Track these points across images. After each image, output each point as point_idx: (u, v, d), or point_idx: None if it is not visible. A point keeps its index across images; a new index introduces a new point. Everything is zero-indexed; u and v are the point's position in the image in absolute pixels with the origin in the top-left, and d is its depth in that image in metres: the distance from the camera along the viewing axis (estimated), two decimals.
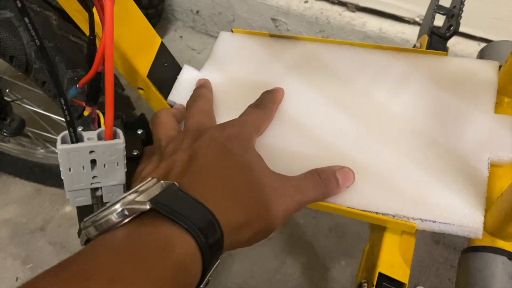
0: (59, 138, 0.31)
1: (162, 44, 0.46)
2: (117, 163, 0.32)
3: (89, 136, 0.31)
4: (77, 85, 0.34)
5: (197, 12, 1.17)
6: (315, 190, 0.35)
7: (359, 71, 0.45)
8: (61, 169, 0.31)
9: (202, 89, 0.44)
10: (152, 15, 1.08)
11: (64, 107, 0.28)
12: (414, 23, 0.84)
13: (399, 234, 0.38)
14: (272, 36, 0.50)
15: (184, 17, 1.22)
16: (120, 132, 0.32)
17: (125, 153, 0.33)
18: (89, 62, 0.31)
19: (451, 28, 0.50)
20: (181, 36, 1.24)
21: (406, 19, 0.85)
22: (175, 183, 0.27)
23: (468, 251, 0.36)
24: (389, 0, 0.84)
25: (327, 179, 0.36)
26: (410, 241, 0.39)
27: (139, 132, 0.38)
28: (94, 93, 0.33)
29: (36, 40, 0.25)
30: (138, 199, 0.26)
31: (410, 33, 0.84)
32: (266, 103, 0.41)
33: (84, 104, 0.34)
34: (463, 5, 0.50)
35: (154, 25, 1.15)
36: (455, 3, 0.52)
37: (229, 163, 0.31)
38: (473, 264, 0.35)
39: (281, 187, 0.33)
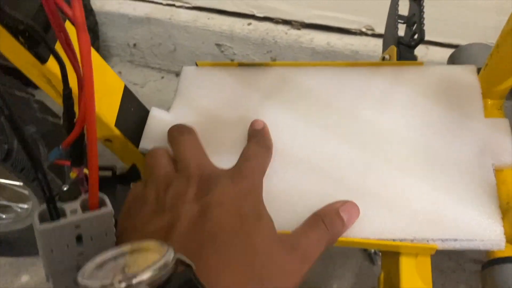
0: (36, 216, 0.25)
1: (125, 88, 0.41)
2: (106, 233, 0.28)
3: (72, 208, 0.26)
4: (60, 146, 0.29)
5: (134, 45, 1.11)
6: (320, 244, 0.32)
7: (339, 92, 0.43)
8: (40, 251, 0.26)
9: (180, 124, 0.40)
10: None
11: (42, 182, 0.23)
12: (361, 33, 0.86)
13: (414, 257, 0.36)
14: (241, 65, 0.47)
15: (120, 52, 1.16)
16: (106, 198, 0.27)
17: (114, 221, 0.28)
18: (68, 119, 0.26)
19: (415, 36, 0.50)
20: (120, 72, 1.18)
21: (353, 30, 0.86)
22: (192, 266, 0.22)
23: (491, 264, 0.35)
24: (334, 14, 0.85)
25: (331, 223, 0.33)
26: (426, 262, 0.37)
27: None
28: (79, 153, 0.28)
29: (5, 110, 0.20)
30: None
31: (359, 44, 0.85)
32: (265, 140, 0.38)
33: (68, 164, 0.29)
34: (423, 12, 0.50)
35: None
36: (414, 11, 0.52)
37: (244, 237, 0.28)
38: (500, 277, 0.34)
39: (290, 264, 0.29)
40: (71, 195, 0.29)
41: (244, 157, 0.35)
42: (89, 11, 0.98)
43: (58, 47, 0.27)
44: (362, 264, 0.71)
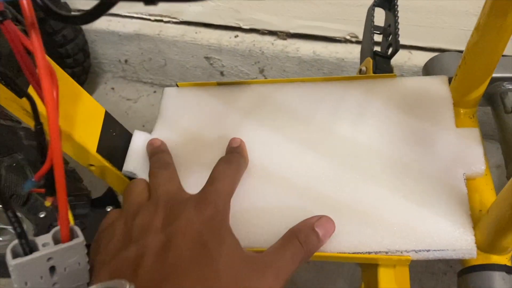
0: (9, 251, 0.26)
1: (106, 113, 0.42)
2: (79, 263, 0.29)
3: (44, 242, 0.27)
4: (33, 179, 0.30)
5: (126, 61, 1.13)
6: (294, 261, 0.32)
7: (315, 107, 0.44)
8: (15, 284, 0.27)
9: (161, 155, 0.41)
10: (79, 73, 1.02)
11: (12, 219, 0.24)
12: (346, 41, 0.86)
13: (392, 267, 0.37)
14: (219, 84, 0.48)
15: (112, 68, 1.17)
16: (77, 229, 0.28)
17: (86, 251, 0.29)
18: (40, 150, 0.27)
19: (391, 47, 0.51)
20: (113, 88, 1.19)
21: (338, 38, 0.87)
22: None
23: (465, 273, 0.36)
24: (318, 23, 0.86)
25: (306, 239, 0.33)
26: (404, 271, 0.37)
27: (109, 210, 0.34)
28: (52, 183, 0.29)
29: None
30: None
31: (344, 51, 0.86)
32: (235, 157, 0.39)
33: (42, 191, 0.30)
34: (398, 23, 0.51)
35: (82, 83, 1.10)
36: (389, 21, 0.53)
37: (205, 264, 0.28)
38: (474, 285, 0.35)
39: (262, 282, 0.30)
40: (47, 222, 0.30)
41: (210, 180, 0.36)
42: (78, 30, 1.00)
43: None
44: (355, 269, 0.72)
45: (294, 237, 0.34)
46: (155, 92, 1.16)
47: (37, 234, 0.27)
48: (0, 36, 0.35)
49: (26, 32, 0.32)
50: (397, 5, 0.52)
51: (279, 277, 0.31)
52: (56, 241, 0.26)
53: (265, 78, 0.99)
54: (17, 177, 0.47)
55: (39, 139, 0.28)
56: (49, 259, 0.26)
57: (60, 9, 0.23)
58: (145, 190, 0.35)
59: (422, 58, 0.79)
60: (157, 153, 0.41)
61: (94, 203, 0.34)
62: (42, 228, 0.35)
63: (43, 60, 0.23)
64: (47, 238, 0.26)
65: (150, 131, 0.47)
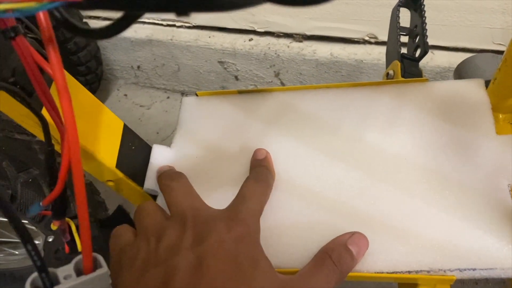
0: (27, 285, 0.24)
1: (125, 126, 0.41)
2: None
3: (65, 274, 0.25)
4: (41, 203, 0.28)
5: (138, 67, 1.12)
6: (328, 283, 0.30)
7: (342, 115, 0.42)
8: None
9: (171, 170, 0.39)
10: (91, 81, 1.01)
11: (32, 252, 0.22)
12: (364, 42, 0.84)
13: (433, 287, 0.35)
14: (240, 92, 0.46)
15: (125, 75, 1.16)
16: (100, 258, 0.26)
17: (110, 281, 0.27)
18: (50, 174, 0.26)
19: (419, 48, 0.49)
20: (125, 94, 1.18)
21: (356, 39, 0.84)
22: None
23: None
24: (335, 24, 0.83)
25: (340, 259, 0.31)
26: None
27: None
28: (61, 207, 0.27)
29: None
30: None
31: (362, 52, 0.84)
32: (264, 173, 0.37)
33: (49, 214, 0.28)
34: (426, 23, 0.48)
35: (95, 90, 1.09)
36: (416, 22, 0.51)
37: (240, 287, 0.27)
38: None
39: None
40: (54, 247, 0.28)
41: (240, 197, 0.34)
42: None
43: None
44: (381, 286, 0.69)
45: (327, 257, 0.32)
46: (168, 98, 1.14)
47: (45, 257, 0.25)
48: (14, 51, 0.34)
49: (37, 40, 0.31)
50: (424, 5, 0.49)
51: None
52: (79, 272, 0.25)
53: (281, 82, 0.97)
54: (34, 193, 0.45)
55: (49, 162, 0.26)
56: None
57: (72, 17, 0.21)
58: (160, 209, 0.33)
59: (445, 58, 0.76)
60: (166, 171, 0.39)
61: (103, 223, 0.32)
62: (49, 252, 0.34)
63: (63, 82, 0.21)
64: (68, 269, 0.25)
65: (164, 138, 0.45)
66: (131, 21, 0.20)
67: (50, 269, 0.24)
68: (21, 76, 0.33)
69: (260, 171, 0.37)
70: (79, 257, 0.25)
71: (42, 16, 0.21)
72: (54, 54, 0.21)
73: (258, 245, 0.30)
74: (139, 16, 0.19)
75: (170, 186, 0.35)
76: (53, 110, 0.23)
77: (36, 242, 0.68)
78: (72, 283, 0.24)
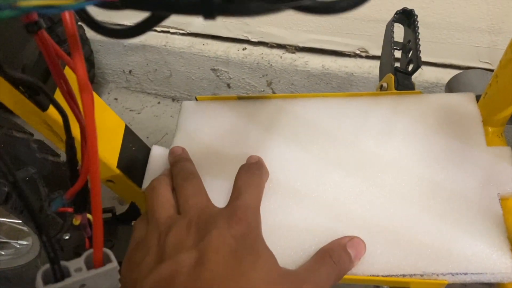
0: (39, 276, 0.25)
1: (126, 128, 0.41)
2: None
3: (76, 266, 0.25)
4: (64, 197, 0.28)
5: (130, 71, 1.12)
6: (329, 279, 0.32)
7: (339, 123, 0.43)
8: None
9: (184, 163, 0.40)
10: None
11: (46, 243, 0.23)
12: (355, 56, 0.86)
13: None
14: (240, 98, 0.47)
15: (116, 79, 1.16)
16: (110, 253, 0.27)
17: (119, 276, 0.27)
18: (71, 167, 0.26)
19: (412, 63, 0.51)
20: (116, 99, 1.18)
21: (347, 53, 0.86)
22: None
23: None
24: (327, 37, 0.85)
25: (339, 259, 0.33)
26: None
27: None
28: (82, 201, 0.28)
29: (9, 176, 0.19)
30: None
31: (353, 66, 0.86)
32: (255, 167, 0.38)
33: (70, 211, 0.29)
34: (419, 39, 0.50)
35: None
36: (409, 37, 0.53)
37: (240, 280, 0.27)
38: None
39: None
40: (72, 244, 0.28)
41: (236, 192, 0.35)
42: (84, 40, 0.99)
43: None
44: None
45: (327, 255, 0.33)
46: (159, 103, 1.15)
47: (64, 257, 0.25)
48: (25, 48, 0.34)
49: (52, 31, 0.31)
50: (417, 21, 0.51)
51: None
52: (89, 265, 0.25)
53: (273, 91, 0.98)
54: (30, 192, 0.45)
55: (70, 155, 0.27)
56: (81, 285, 0.24)
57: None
58: (172, 200, 0.35)
59: (433, 74, 0.79)
60: (179, 161, 0.40)
61: (119, 218, 0.33)
62: (68, 250, 0.34)
63: (85, 78, 0.22)
64: (79, 263, 0.25)
65: (154, 143, 0.46)
66: (156, 22, 0.20)
67: (62, 262, 0.24)
68: (30, 73, 0.33)
69: (250, 164, 0.38)
70: (90, 251, 0.25)
71: (67, 13, 0.22)
72: (77, 50, 0.22)
73: (259, 238, 0.32)
74: (166, 17, 0.20)
75: (181, 184, 0.36)
76: (70, 96, 0.24)
77: (25, 242, 0.67)
78: (83, 276, 0.24)
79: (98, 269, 0.25)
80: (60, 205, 0.28)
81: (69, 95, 0.26)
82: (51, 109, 0.32)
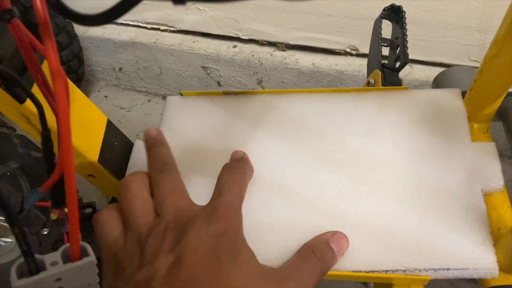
0: (13, 271, 0.24)
1: (108, 122, 0.41)
2: (89, 284, 0.27)
3: (52, 260, 0.25)
4: (40, 190, 0.28)
5: (120, 69, 1.11)
6: (313, 275, 0.31)
7: (326, 119, 0.43)
8: None
9: (160, 149, 0.36)
10: (72, 81, 1.00)
11: (19, 236, 0.22)
12: (346, 54, 0.86)
13: (407, 287, 0.36)
14: (226, 93, 0.46)
15: (106, 76, 1.15)
16: (88, 247, 0.26)
17: (97, 271, 0.27)
18: (47, 160, 0.25)
19: (399, 59, 0.51)
20: (106, 96, 1.17)
21: (337, 51, 0.86)
22: None
23: None
24: (318, 35, 0.85)
25: (323, 255, 0.33)
26: None
27: None
28: (60, 195, 0.27)
29: None
30: None
31: (343, 64, 0.86)
32: (239, 165, 0.37)
33: (48, 205, 0.28)
34: (407, 35, 0.50)
35: None
36: (397, 34, 0.53)
37: (219, 279, 0.27)
38: None
39: None
40: (51, 239, 0.28)
41: (218, 190, 0.33)
42: (73, 37, 0.98)
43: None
44: (357, 287, 0.70)
45: (310, 251, 0.33)
46: (149, 101, 1.14)
47: (42, 252, 0.25)
48: (1, 38, 0.34)
49: (29, 22, 0.31)
50: (405, 18, 0.51)
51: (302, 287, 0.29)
52: (65, 259, 0.24)
53: (263, 89, 0.98)
54: (11, 187, 0.45)
55: (46, 147, 0.26)
56: (57, 279, 0.24)
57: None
58: (149, 200, 0.32)
59: (423, 72, 0.79)
60: (154, 147, 0.36)
61: None
62: (47, 245, 0.33)
63: (57, 64, 0.21)
64: (55, 256, 0.24)
65: None
66: (128, 7, 0.20)
67: (37, 256, 0.24)
68: (7, 64, 0.32)
69: (234, 163, 0.37)
70: (67, 245, 0.25)
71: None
72: (48, 36, 0.21)
73: (239, 237, 0.31)
74: (136, 3, 0.20)
75: (157, 178, 0.34)
76: (46, 89, 0.23)
77: (9, 239, 0.66)
78: (58, 270, 0.24)
79: (75, 263, 0.25)
80: (36, 198, 0.27)
81: (44, 86, 0.25)
82: (28, 102, 0.32)
